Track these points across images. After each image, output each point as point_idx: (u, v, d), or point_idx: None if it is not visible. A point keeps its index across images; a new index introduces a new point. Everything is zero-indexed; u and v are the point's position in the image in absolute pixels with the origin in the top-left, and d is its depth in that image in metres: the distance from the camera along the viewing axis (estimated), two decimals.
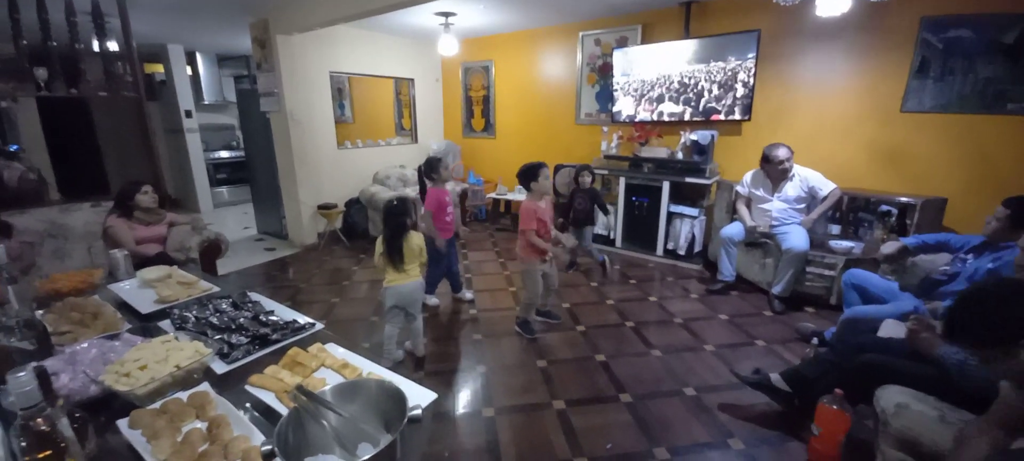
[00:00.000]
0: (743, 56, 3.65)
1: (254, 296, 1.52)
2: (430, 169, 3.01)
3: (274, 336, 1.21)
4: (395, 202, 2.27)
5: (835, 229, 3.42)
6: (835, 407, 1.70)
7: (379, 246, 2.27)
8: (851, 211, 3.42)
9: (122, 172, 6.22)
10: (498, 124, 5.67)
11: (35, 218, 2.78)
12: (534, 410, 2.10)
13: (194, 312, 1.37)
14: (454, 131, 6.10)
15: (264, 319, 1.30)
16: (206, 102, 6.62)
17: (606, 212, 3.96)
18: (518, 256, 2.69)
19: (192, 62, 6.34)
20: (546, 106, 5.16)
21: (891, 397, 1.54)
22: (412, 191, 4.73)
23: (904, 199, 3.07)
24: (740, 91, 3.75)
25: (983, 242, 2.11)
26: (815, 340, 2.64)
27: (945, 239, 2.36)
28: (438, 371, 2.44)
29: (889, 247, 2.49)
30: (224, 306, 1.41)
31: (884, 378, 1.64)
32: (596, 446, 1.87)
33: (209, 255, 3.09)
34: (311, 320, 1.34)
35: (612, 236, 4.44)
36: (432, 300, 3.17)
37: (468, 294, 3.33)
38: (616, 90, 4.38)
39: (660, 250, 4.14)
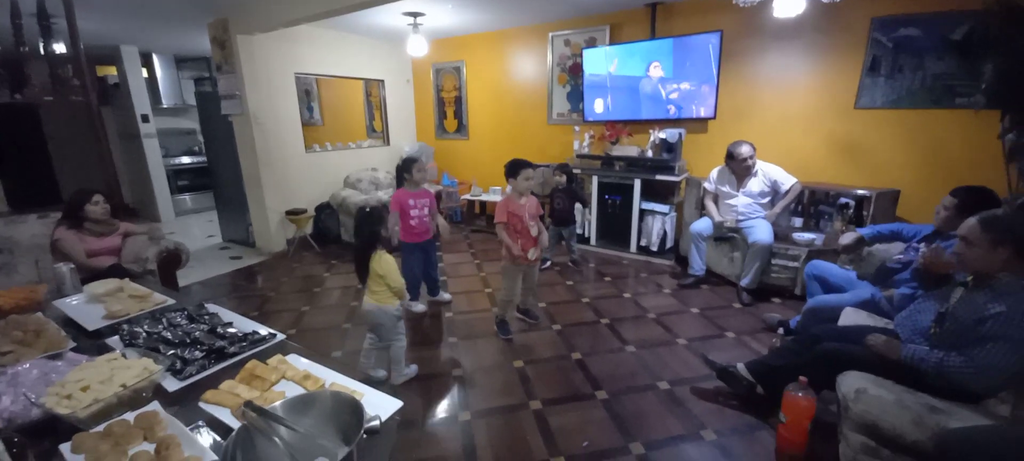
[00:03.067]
0: (707, 55, 3.74)
1: (212, 307, 1.45)
2: (403, 169, 2.91)
3: (232, 349, 1.16)
4: (367, 210, 2.11)
5: (798, 222, 3.54)
6: (800, 394, 1.75)
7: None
8: (812, 204, 3.55)
9: (75, 181, 5.90)
10: (471, 125, 5.64)
11: None
12: (511, 412, 2.09)
13: (145, 327, 1.29)
14: (427, 132, 6.04)
15: (221, 331, 1.24)
16: (165, 106, 6.34)
17: (585, 205, 4.02)
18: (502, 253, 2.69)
19: (148, 64, 6.05)
20: (518, 106, 5.16)
21: (851, 383, 1.60)
22: (385, 195, 4.65)
23: (860, 191, 3.21)
24: (705, 89, 3.84)
25: (933, 231, 2.21)
26: (781, 329, 2.73)
27: (898, 229, 2.47)
28: (414, 376, 2.39)
29: (846, 238, 2.59)
30: (179, 319, 1.34)
31: (845, 365, 1.70)
32: (573, 444, 1.87)
33: (168, 266, 2.94)
34: (272, 331, 1.29)
35: (587, 234, 4.48)
36: (418, 306, 3.11)
37: (446, 296, 3.29)
38: (586, 89, 4.43)
39: (633, 247, 4.20)
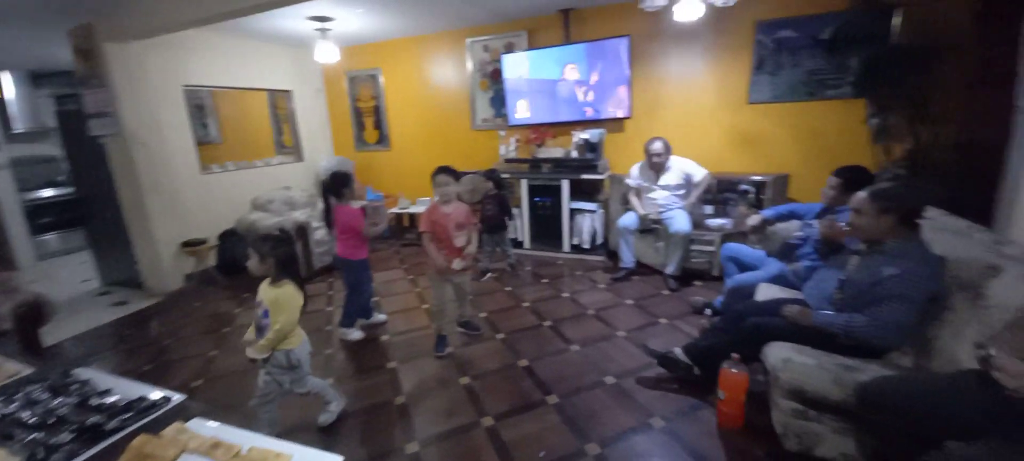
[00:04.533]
0: (619, 58, 3.93)
1: (84, 373, 1.17)
2: (341, 185, 2.69)
3: (111, 425, 0.93)
4: (277, 233, 1.90)
5: (709, 209, 3.83)
6: (734, 370, 1.86)
7: (298, 297, 1.82)
8: (720, 191, 3.87)
9: None
10: (393, 135, 5.40)
11: None
12: (462, 433, 1.98)
13: None
14: (345, 145, 5.68)
15: (96, 403, 1.00)
16: (18, 131, 5.30)
17: (510, 217, 3.98)
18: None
19: None
20: (441, 114, 5.04)
21: (777, 353, 1.72)
22: (301, 215, 4.27)
23: (757, 177, 3.55)
24: (619, 90, 4.03)
25: (823, 208, 2.49)
26: (707, 310, 2.91)
27: (793, 208, 2.75)
28: (349, 412, 2.18)
29: (751, 220, 2.84)
30: (39, 394, 1.06)
31: (769, 337, 1.83)
32: (530, 456, 1.81)
33: (28, 323, 2.42)
34: (167, 393, 1.07)
35: (520, 238, 4.48)
36: (354, 334, 2.86)
37: (381, 317, 3.08)
38: (508, 93, 4.44)
39: (566, 246, 4.28)
